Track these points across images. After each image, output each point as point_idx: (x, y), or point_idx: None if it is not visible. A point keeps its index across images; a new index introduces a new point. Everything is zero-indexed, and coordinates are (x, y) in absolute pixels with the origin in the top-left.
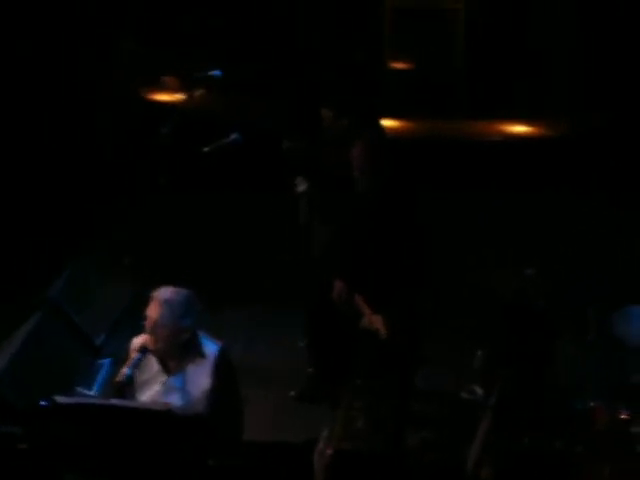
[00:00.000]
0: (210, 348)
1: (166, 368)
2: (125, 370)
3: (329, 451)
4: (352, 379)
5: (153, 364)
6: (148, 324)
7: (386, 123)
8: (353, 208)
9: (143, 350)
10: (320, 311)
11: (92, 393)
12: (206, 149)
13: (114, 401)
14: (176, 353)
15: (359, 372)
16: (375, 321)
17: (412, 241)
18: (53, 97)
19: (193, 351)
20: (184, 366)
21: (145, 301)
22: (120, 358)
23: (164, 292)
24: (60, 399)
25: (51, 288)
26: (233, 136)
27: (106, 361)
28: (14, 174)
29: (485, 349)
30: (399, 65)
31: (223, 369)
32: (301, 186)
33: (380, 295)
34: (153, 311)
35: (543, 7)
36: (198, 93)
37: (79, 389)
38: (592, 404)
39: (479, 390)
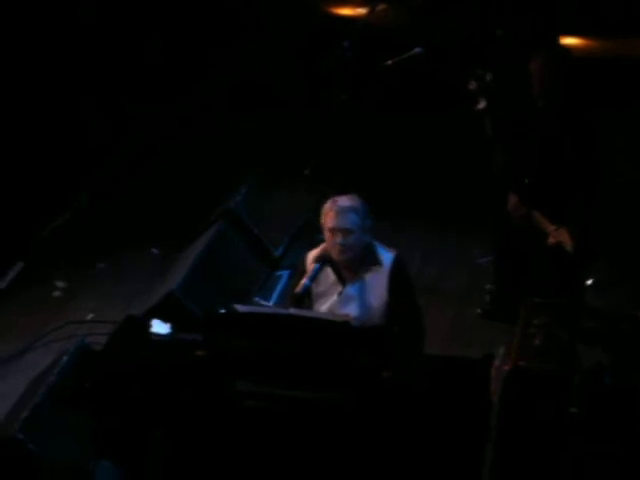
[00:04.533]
0: (386, 256)
1: (342, 279)
2: (305, 281)
3: (506, 368)
4: (531, 297)
5: (329, 275)
6: (337, 235)
7: (569, 41)
8: (532, 123)
9: (322, 261)
10: (506, 227)
11: (270, 304)
12: (388, 62)
13: (293, 311)
14: (355, 262)
15: (538, 290)
16: (560, 234)
17: (588, 158)
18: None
19: (369, 260)
20: (361, 275)
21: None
22: (297, 270)
23: (341, 200)
24: (240, 308)
25: (230, 199)
26: (416, 50)
27: (284, 273)
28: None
29: None
30: None
31: (399, 277)
32: (480, 104)
33: (557, 210)
34: (339, 220)
35: None
36: (380, 7)
37: (257, 299)
38: None
39: None
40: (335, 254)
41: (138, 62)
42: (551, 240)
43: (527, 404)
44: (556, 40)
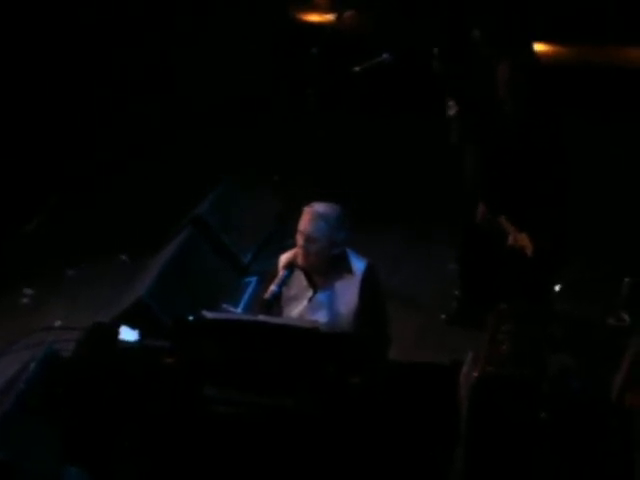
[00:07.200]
0: (358, 265)
1: (313, 284)
2: (273, 287)
3: (474, 374)
4: (498, 303)
5: (300, 280)
6: (301, 239)
7: (537, 47)
8: (498, 129)
9: (291, 267)
10: (473, 234)
11: (238, 310)
12: (357, 69)
13: (261, 317)
14: (324, 269)
15: (505, 296)
16: (521, 239)
17: (553, 164)
18: None
19: (341, 267)
20: (331, 282)
21: (292, 219)
22: (266, 276)
23: (318, 206)
24: (208, 315)
25: (199, 206)
26: (384, 55)
27: (253, 279)
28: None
29: (633, 276)
30: None
31: (370, 286)
32: (452, 109)
33: (522, 216)
34: (307, 225)
35: None
36: (348, 14)
37: (225, 306)
38: None
39: (626, 317)
40: (299, 257)
41: (112, 68)
42: (510, 240)
43: (496, 410)
44: (528, 46)
